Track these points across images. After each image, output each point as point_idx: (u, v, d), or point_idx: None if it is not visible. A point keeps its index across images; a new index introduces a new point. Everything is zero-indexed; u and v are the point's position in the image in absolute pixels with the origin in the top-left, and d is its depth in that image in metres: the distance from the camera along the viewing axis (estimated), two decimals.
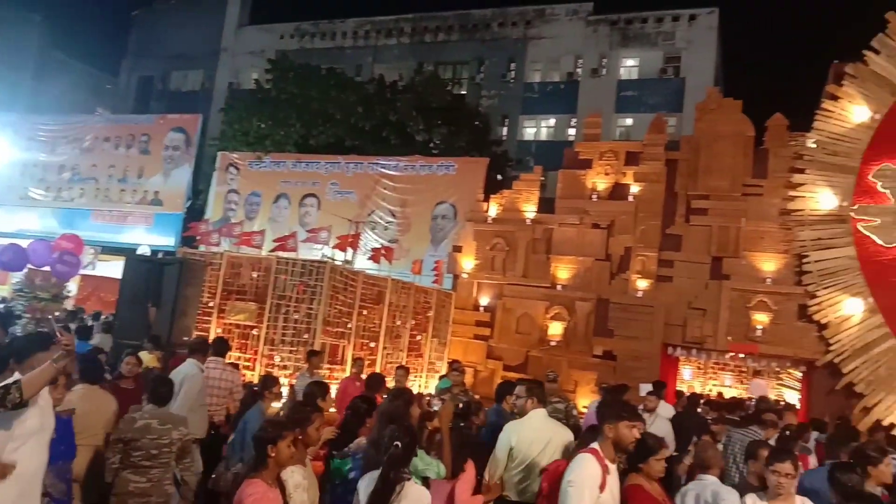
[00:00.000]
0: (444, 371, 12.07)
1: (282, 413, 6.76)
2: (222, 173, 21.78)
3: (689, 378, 15.74)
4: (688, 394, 12.15)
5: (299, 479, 4.03)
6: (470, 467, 4.89)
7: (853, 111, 12.30)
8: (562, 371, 13.42)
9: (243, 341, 10.77)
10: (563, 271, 14.35)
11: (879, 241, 11.96)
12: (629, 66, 28.71)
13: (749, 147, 13.27)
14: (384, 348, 12.23)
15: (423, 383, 13.03)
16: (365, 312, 11.76)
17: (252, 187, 21.21)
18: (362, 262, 14.89)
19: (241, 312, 10.84)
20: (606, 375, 13.04)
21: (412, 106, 21.12)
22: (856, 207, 12.13)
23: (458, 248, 15.62)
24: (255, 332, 10.76)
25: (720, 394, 14.59)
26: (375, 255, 14.25)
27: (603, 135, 16.82)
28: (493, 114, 27.69)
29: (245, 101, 24.26)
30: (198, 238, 15.76)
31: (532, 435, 5.15)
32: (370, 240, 18.04)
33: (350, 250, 13.99)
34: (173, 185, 23.78)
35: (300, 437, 4.12)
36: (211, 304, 10.95)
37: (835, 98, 12.49)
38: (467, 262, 15.19)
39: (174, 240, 22.30)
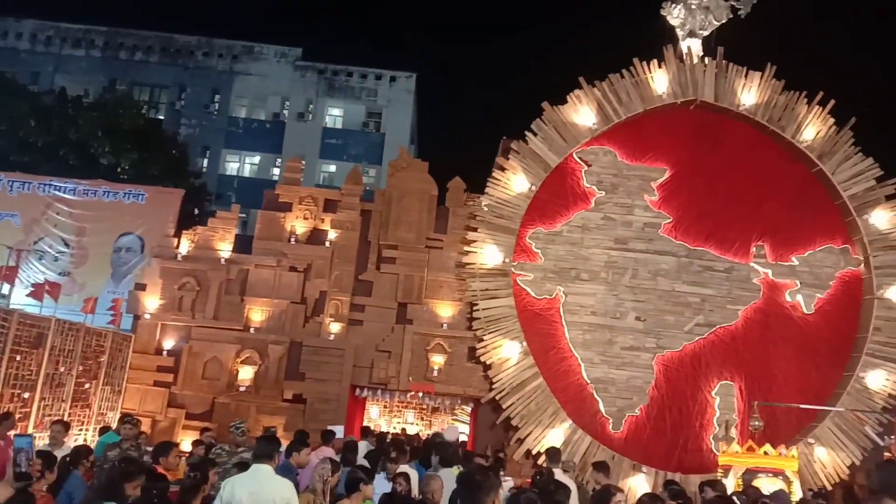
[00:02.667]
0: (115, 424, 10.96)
1: None
2: None
3: (377, 417, 16.57)
4: (376, 431, 12.71)
5: None
6: None
7: (515, 181, 14.30)
8: (250, 417, 13.14)
9: None
10: (256, 314, 14.15)
11: (532, 294, 13.99)
12: (334, 115, 29.83)
13: (433, 204, 14.64)
14: (42, 399, 10.71)
15: (90, 438, 11.66)
16: (18, 358, 10.20)
17: None
18: (20, 298, 12.94)
19: None
20: (296, 419, 13.09)
21: (98, 125, 19.24)
22: (515, 264, 14.02)
23: (141, 286, 14.42)
24: None
25: (404, 430, 15.56)
26: (38, 291, 12.47)
27: (307, 179, 17.15)
28: (193, 144, 26.50)
29: None
30: None
31: (245, 488, 5.31)
32: (34, 272, 15.78)
33: (5, 284, 12.06)
34: None
35: None
36: None
37: (502, 169, 14.38)
38: (151, 302, 14.11)
39: None
